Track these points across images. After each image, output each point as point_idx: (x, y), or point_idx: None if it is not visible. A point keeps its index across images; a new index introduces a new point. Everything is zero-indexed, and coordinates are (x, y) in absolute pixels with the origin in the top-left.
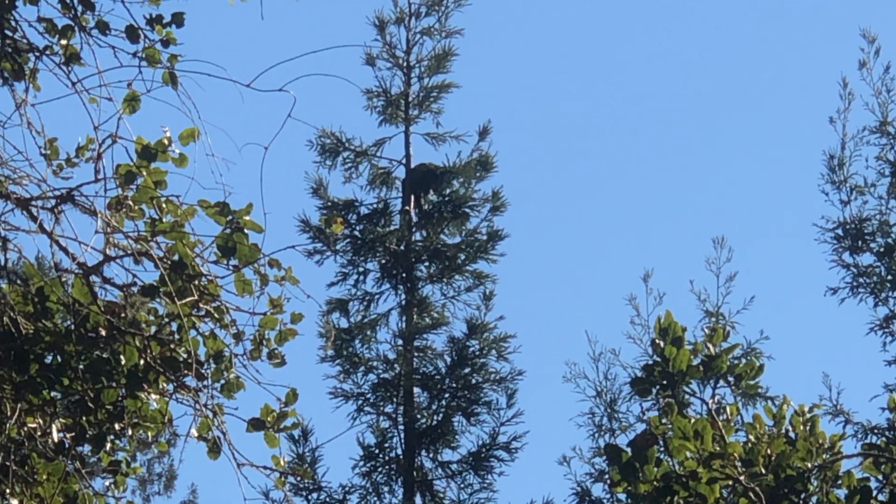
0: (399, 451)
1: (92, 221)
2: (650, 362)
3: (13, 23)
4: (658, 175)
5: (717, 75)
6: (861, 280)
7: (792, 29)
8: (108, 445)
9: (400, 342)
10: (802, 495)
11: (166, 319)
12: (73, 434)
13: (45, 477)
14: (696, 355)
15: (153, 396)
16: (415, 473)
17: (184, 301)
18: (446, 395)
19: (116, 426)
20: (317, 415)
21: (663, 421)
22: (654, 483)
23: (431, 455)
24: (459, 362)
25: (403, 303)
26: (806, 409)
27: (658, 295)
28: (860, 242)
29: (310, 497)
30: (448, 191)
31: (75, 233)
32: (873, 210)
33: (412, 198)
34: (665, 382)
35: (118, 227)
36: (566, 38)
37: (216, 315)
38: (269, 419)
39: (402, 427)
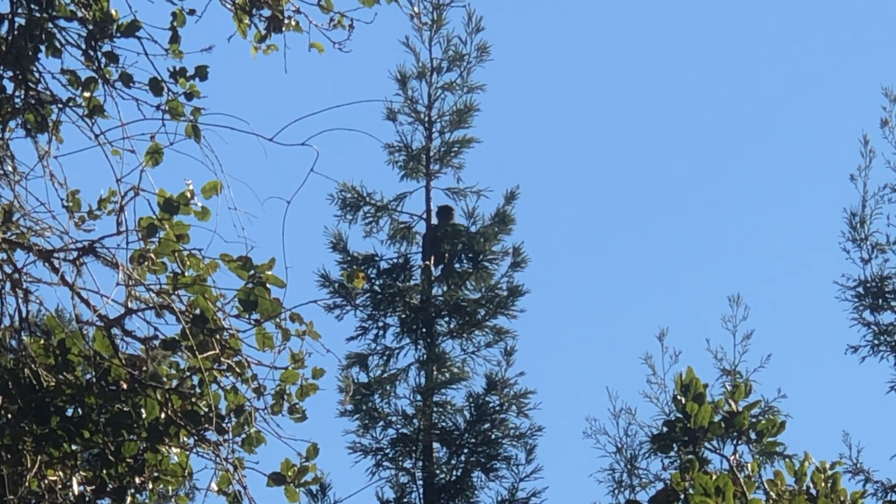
0: None
1: (114, 274)
2: (672, 418)
3: (36, 74)
4: (675, 232)
5: (735, 131)
6: (882, 338)
7: (813, 86)
8: (129, 499)
9: (419, 397)
10: None
11: (188, 373)
12: (94, 487)
13: None
14: (717, 412)
15: (174, 450)
16: None
17: (205, 355)
18: (465, 451)
19: (137, 480)
20: (335, 469)
21: (684, 477)
22: None
23: None
24: (479, 418)
25: (423, 358)
26: (827, 466)
27: (674, 353)
28: (881, 301)
29: None
30: (468, 245)
31: (97, 285)
32: (895, 268)
33: (432, 257)
34: (686, 439)
35: (140, 280)
36: (587, 95)
37: (237, 369)
38: (289, 474)
39: (421, 482)
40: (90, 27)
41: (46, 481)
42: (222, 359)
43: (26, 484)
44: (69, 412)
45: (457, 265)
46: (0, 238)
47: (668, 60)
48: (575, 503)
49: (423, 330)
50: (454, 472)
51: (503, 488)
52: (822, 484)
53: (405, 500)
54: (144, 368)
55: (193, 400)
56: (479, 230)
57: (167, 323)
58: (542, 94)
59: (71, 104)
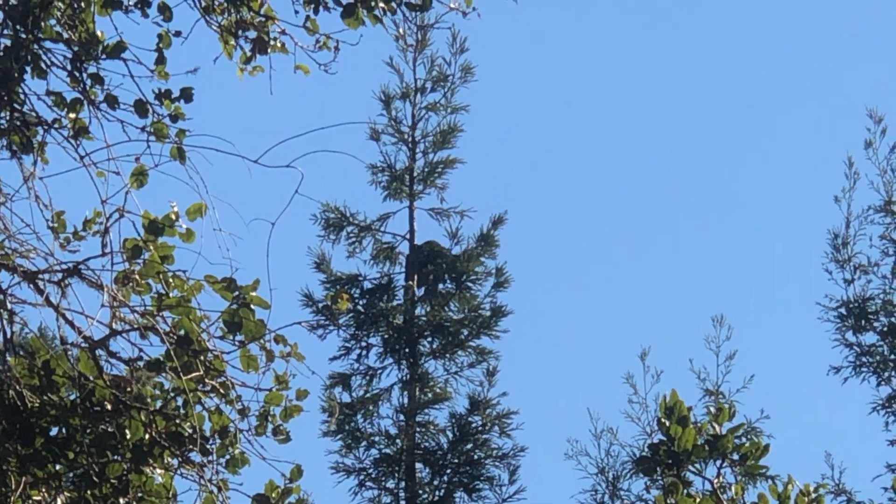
0: None
1: (98, 295)
2: (655, 441)
3: (22, 96)
4: (658, 252)
5: (720, 151)
6: (864, 359)
7: (798, 108)
8: None
9: (402, 417)
10: None
11: (172, 394)
12: None
13: None
14: (701, 434)
15: (158, 471)
16: None
17: (189, 376)
18: (448, 471)
19: (121, 500)
20: (318, 489)
21: (668, 501)
22: None
23: None
24: (461, 438)
25: (406, 378)
26: (811, 488)
27: (656, 373)
28: (863, 321)
29: None
30: (451, 266)
31: (82, 306)
32: (877, 289)
33: (415, 277)
34: (670, 462)
35: (125, 301)
36: (571, 116)
37: (222, 390)
38: (273, 495)
39: (403, 502)
40: (76, 48)
41: (31, 501)
42: (206, 380)
43: None
44: (54, 433)
45: (440, 285)
46: None
47: (654, 83)
48: None
49: (406, 350)
50: (437, 493)
51: None
52: None
53: None
54: (129, 389)
55: (178, 421)
56: (464, 251)
57: (151, 344)
58: (525, 114)
59: (56, 125)
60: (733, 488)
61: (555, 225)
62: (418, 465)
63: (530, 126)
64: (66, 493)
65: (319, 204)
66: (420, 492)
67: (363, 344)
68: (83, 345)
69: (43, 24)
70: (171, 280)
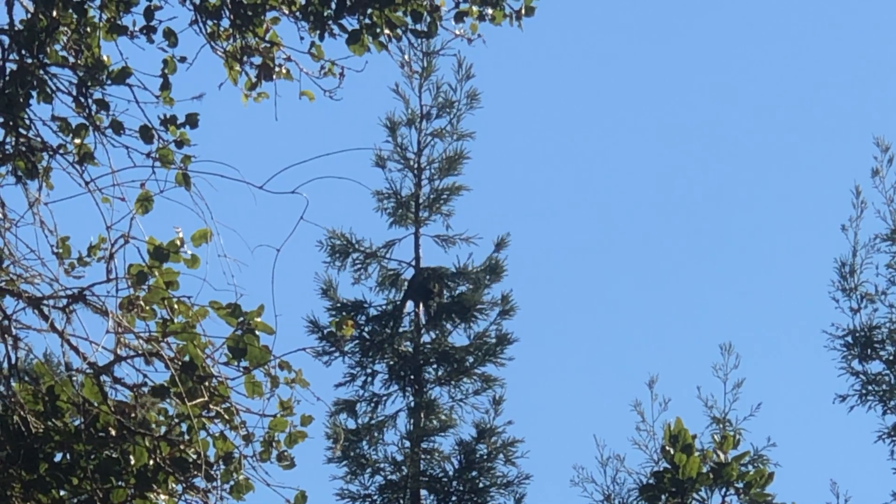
0: None
1: (103, 321)
2: (660, 469)
3: (27, 121)
4: (666, 279)
5: (727, 179)
6: (870, 388)
7: (805, 136)
8: None
9: (407, 444)
10: None
11: (176, 420)
12: None
13: None
14: (706, 462)
15: (162, 497)
16: None
17: (194, 402)
18: (453, 499)
19: None
20: None
21: None
22: None
23: None
24: (467, 465)
25: (411, 405)
26: None
27: (664, 401)
28: (870, 350)
29: None
30: (456, 293)
31: (86, 332)
32: (883, 318)
33: (420, 305)
34: (675, 490)
35: (129, 327)
36: (576, 143)
37: (226, 416)
38: None
39: None
40: (81, 74)
41: None
42: (211, 406)
43: None
44: (58, 458)
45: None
46: None
47: (661, 109)
48: None
49: (412, 377)
50: None
51: None
52: None
53: None
54: (133, 415)
55: (182, 447)
56: (467, 272)
57: (156, 370)
58: (532, 140)
59: (61, 151)
60: None
61: (561, 251)
62: (423, 493)
63: (536, 152)
64: None
65: (325, 230)
66: None
67: (368, 370)
68: (88, 370)
69: (48, 49)
70: (175, 306)
